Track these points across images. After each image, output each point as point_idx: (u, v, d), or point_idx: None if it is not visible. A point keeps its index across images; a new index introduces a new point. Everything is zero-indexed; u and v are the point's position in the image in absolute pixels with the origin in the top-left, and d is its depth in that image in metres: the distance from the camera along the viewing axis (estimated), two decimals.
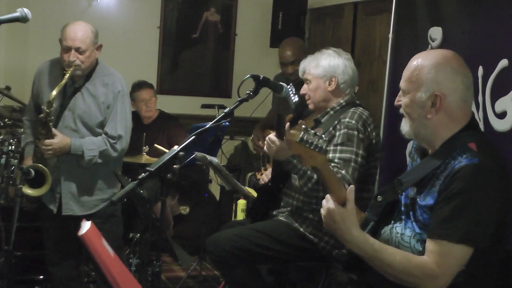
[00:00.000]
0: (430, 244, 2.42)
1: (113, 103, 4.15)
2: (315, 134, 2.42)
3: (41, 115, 3.93)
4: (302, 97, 3.84)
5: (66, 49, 3.99)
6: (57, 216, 4.13)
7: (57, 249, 4.24)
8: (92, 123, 4.12)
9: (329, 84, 3.75)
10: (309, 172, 3.44)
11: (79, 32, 4.03)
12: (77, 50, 3.99)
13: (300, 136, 2.40)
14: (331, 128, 3.62)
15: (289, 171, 3.57)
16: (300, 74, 3.93)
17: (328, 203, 2.57)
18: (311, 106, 3.85)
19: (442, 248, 2.38)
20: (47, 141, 3.93)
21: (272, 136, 3.45)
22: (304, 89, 3.83)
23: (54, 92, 3.90)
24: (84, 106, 4.07)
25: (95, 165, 4.11)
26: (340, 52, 3.82)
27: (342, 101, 3.77)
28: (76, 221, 4.18)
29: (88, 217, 4.09)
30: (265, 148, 3.54)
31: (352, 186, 2.60)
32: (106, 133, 4.14)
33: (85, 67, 4.05)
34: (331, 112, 3.75)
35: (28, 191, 4.00)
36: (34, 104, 4.21)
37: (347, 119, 3.59)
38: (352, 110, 3.67)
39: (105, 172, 4.18)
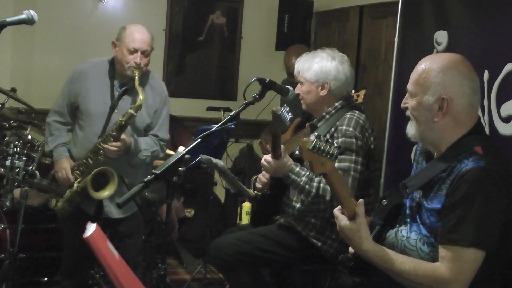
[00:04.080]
0: (442, 251, 2.43)
1: (161, 107, 4.25)
2: (327, 141, 2.46)
3: (122, 118, 3.94)
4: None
5: (132, 51, 4.03)
6: (93, 219, 4.08)
7: (79, 253, 4.19)
8: (140, 125, 4.16)
9: (321, 90, 3.69)
10: (307, 186, 3.47)
11: (145, 35, 4.09)
12: (143, 52, 4.05)
13: (313, 144, 2.43)
14: (328, 136, 3.59)
15: (288, 185, 3.61)
16: (295, 73, 3.86)
17: (337, 220, 2.59)
18: (304, 107, 3.83)
19: (454, 254, 2.39)
20: (117, 143, 3.96)
21: (268, 157, 3.51)
22: (298, 88, 3.78)
23: (141, 97, 3.94)
24: None
25: (134, 168, 4.14)
26: (335, 55, 3.73)
27: (337, 104, 3.71)
28: (112, 223, 4.21)
29: (124, 220, 4.12)
30: (262, 164, 3.58)
31: (361, 200, 2.61)
32: (156, 136, 4.23)
33: (145, 70, 4.13)
34: (327, 116, 3.71)
35: (99, 194, 3.99)
36: (70, 104, 4.19)
37: (344, 127, 3.55)
38: (348, 115, 3.62)
39: (142, 174, 4.20)
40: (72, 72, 4.23)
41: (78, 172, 4.06)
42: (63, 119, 4.23)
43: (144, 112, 4.14)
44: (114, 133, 3.95)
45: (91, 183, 3.97)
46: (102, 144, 3.96)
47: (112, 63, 4.17)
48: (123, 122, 3.94)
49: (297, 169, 3.51)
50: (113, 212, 4.15)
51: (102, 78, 4.14)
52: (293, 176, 3.50)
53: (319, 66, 3.69)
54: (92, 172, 3.96)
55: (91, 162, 4.02)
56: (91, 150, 4.02)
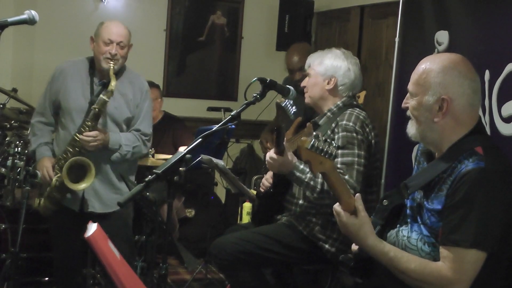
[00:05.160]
0: (443, 251, 2.43)
1: (142, 102, 4.24)
2: (325, 140, 2.46)
3: (95, 106, 3.93)
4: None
5: (108, 43, 4.05)
6: (77, 216, 4.09)
7: (69, 251, 4.20)
8: (121, 119, 4.15)
9: (328, 83, 3.74)
10: (312, 182, 3.48)
11: (121, 28, 4.13)
12: (119, 44, 4.07)
13: (311, 143, 2.43)
14: (329, 132, 3.63)
15: (293, 182, 3.63)
16: (306, 67, 3.92)
17: (339, 216, 2.59)
18: (307, 100, 3.86)
19: (455, 255, 2.39)
20: (93, 133, 3.94)
21: (272, 153, 3.52)
22: (305, 81, 3.86)
23: (113, 83, 3.94)
24: (113, 102, 4.08)
25: (116, 163, 4.13)
26: (348, 56, 3.80)
27: (339, 102, 3.76)
28: (94, 219, 4.19)
29: (107, 216, 4.11)
30: (266, 161, 3.60)
31: (358, 194, 2.62)
32: (138, 130, 4.22)
33: (121, 63, 4.13)
34: (329, 113, 3.75)
35: (76, 185, 3.96)
36: (52, 103, 4.19)
37: (344, 122, 3.58)
38: (349, 112, 3.66)
39: (126, 170, 4.21)
40: (53, 72, 4.23)
41: (58, 167, 4.04)
42: (46, 119, 4.22)
43: (124, 105, 4.14)
44: (89, 123, 3.93)
45: (67, 175, 3.93)
46: (78, 135, 3.95)
47: (92, 60, 4.18)
48: (97, 109, 3.92)
49: (301, 166, 3.51)
50: (96, 206, 4.13)
51: (82, 75, 4.15)
52: (298, 174, 3.50)
53: (331, 61, 3.76)
54: (67, 163, 3.93)
55: (69, 155, 3.99)
56: (69, 143, 4.01)
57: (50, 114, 4.21)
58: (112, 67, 3.99)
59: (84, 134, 3.93)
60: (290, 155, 3.50)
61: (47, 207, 4.11)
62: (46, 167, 4.04)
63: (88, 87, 4.10)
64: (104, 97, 3.93)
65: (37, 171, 3.99)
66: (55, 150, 4.17)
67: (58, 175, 4.01)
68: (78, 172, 3.98)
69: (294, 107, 3.56)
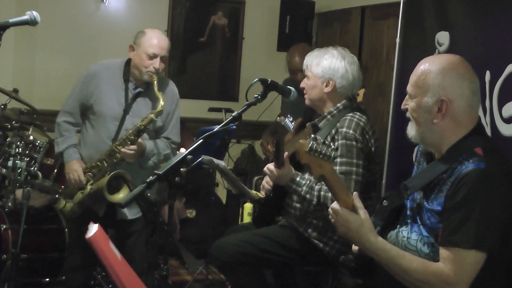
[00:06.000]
0: (443, 252, 2.43)
1: (172, 111, 4.27)
2: (323, 143, 2.47)
3: (142, 122, 3.98)
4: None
5: (152, 56, 4.05)
6: (103, 221, 4.09)
7: (86, 254, 4.17)
8: (152, 128, 4.16)
9: (326, 86, 3.72)
10: (308, 196, 3.51)
11: (165, 40, 4.16)
12: (161, 58, 4.09)
13: (309, 146, 2.44)
14: (329, 138, 3.59)
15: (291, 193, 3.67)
16: (303, 67, 3.89)
17: (337, 214, 2.58)
18: (307, 102, 3.85)
19: (456, 256, 2.39)
20: (134, 146, 4.00)
21: (270, 166, 3.56)
22: (304, 82, 3.83)
23: (162, 102, 3.97)
24: (146, 111, 4.10)
25: (144, 170, 4.14)
26: (345, 55, 3.76)
27: (339, 104, 3.73)
28: (123, 225, 4.19)
29: (136, 220, 4.09)
30: (265, 172, 3.64)
31: (355, 193, 2.62)
32: (168, 138, 4.27)
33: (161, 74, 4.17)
34: (328, 116, 3.72)
35: (113, 197, 3.99)
36: (81, 105, 4.20)
37: (344, 129, 3.55)
38: (349, 117, 3.62)
39: (146, 177, 4.20)
40: (84, 74, 4.24)
41: (90, 174, 4.06)
42: (74, 120, 4.24)
43: None
44: (132, 137, 3.97)
45: (107, 187, 3.97)
46: (119, 147, 3.97)
47: (128, 65, 4.17)
48: (142, 126, 3.96)
49: (298, 179, 3.54)
50: (127, 213, 4.15)
51: (116, 80, 4.15)
52: (294, 186, 3.54)
53: (328, 62, 3.72)
54: (109, 175, 3.96)
55: (105, 165, 4.02)
56: (106, 153, 4.03)
57: (79, 115, 4.23)
58: (155, 82, 4.00)
59: (127, 148, 3.98)
60: (287, 168, 3.52)
61: (74, 211, 4.14)
62: (76, 171, 4.08)
63: (123, 93, 4.12)
64: (152, 116, 3.98)
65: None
66: (81, 151, 4.20)
67: (91, 182, 4.05)
68: (112, 182, 4.02)
69: (293, 123, 3.60)
